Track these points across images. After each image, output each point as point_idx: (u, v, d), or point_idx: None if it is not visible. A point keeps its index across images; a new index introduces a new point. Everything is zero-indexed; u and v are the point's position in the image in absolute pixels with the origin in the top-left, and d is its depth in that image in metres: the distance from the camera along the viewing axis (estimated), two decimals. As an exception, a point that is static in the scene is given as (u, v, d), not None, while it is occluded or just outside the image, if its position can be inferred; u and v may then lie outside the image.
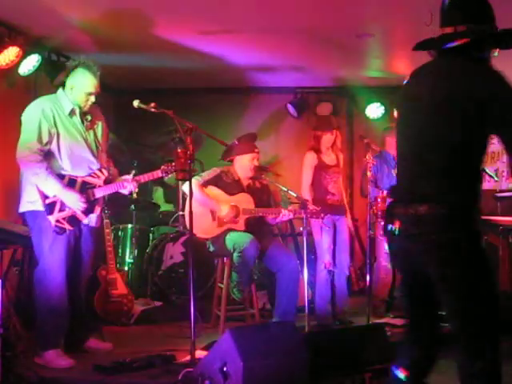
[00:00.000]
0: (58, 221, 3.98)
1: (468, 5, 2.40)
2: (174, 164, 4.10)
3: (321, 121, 5.82)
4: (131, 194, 4.39)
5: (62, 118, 4.08)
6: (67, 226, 4.00)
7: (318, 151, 5.46)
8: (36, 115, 4.01)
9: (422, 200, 2.30)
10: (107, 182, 4.20)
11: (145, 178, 4.31)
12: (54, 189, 3.97)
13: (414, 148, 2.42)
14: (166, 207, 7.19)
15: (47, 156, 4.02)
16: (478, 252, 2.29)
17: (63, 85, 4.17)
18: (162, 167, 4.29)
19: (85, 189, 4.09)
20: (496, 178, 5.90)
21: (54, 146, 4.04)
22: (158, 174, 4.30)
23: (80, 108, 4.13)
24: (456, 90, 2.29)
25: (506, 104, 2.23)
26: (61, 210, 3.99)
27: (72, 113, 4.12)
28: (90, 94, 4.10)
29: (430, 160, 2.33)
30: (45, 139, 3.99)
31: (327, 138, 5.46)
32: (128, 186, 4.23)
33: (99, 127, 4.31)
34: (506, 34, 2.37)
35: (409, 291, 2.53)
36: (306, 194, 5.32)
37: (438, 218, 2.26)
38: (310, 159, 5.44)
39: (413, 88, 2.50)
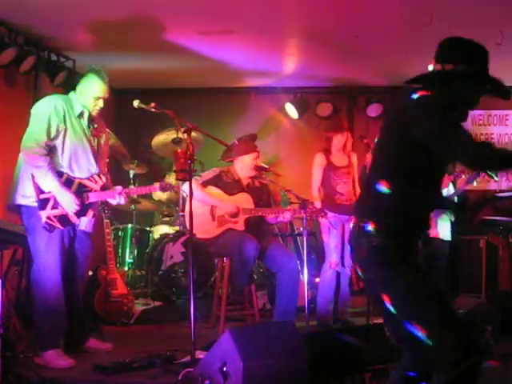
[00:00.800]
0: (49, 218, 3.97)
1: (447, 46, 2.43)
2: (172, 183, 4.38)
3: (332, 122, 5.84)
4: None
5: (71, 117, 4.11)
6: (57, 225, 3.99)
7: (327, 152, 5.48)
8: (47, 109, 4.05)
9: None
10: (104, 188, 4.21)
11: (139, 191, 4.37)
12: (51, 185, 3.97)
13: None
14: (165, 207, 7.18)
15: (50, 151, 4.03)
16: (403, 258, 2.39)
17: (74, 89, 4.22)
18: (160, 184, 4.41)
19: (80, 191, 4.09)
20: (496, 178, 5.89)
21: (59, 142, 4.05)
22: (155, 188, 4.42)
23: (89, 112, 4.18)
24: (396, 124, 2.47)
25: (426, 127, 2.29)
26: (53, 208, 3.98)
27: (81, 115, 4.16)
28: (99, 98, 4.14)
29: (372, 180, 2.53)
30: (53, 134, 4.01)
31: (338, 140, 5.47)
32: (117, 197, 4.24)
33: (103, 138, 4.36)
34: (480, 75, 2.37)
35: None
36: (316, 194, 5.35)
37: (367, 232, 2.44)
38: (319, 160, 5.45)
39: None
